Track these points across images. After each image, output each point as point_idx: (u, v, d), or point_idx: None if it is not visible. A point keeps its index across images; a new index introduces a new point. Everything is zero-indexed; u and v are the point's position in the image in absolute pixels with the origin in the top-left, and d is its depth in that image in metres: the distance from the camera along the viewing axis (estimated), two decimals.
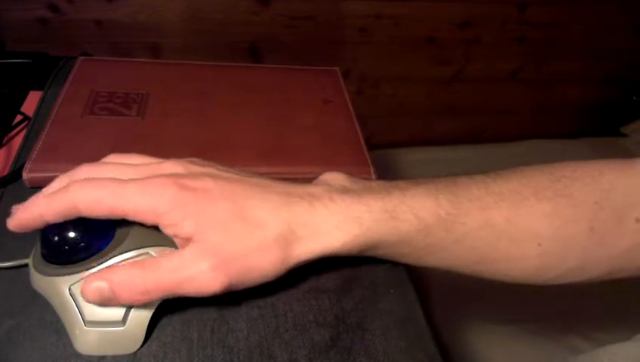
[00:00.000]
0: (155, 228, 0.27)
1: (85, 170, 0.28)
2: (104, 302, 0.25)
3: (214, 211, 0.26)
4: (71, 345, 0.27)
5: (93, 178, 0.26)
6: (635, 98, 1.43)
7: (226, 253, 0.26)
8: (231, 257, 0.26)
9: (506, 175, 0.32)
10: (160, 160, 0.29)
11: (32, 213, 0.25)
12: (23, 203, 0.26)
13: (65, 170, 0.29)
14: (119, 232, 0.27)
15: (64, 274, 0.26)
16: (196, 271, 0.25)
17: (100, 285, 0.25)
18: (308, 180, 0.38)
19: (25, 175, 0.35)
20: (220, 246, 0.26)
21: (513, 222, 0.30)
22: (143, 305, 0.27)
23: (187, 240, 0.26)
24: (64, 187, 0.25)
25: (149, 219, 0.26)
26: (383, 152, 1.24)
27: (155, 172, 0.28)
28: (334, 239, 0.28)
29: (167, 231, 0.26)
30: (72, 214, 0.25)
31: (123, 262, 0.26)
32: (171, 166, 0.28)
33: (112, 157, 0.30)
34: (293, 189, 0.29)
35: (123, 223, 0.28)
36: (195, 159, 0.30)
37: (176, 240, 0.27)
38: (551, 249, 0.30)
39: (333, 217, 0.28)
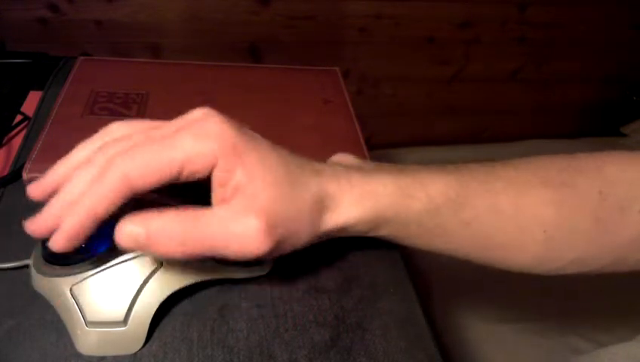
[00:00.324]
0: None
1: (116, 124, 0.25)
2: (138, 249, 0.23)
3: (266, 165, 0.24)
4: (71, 345, 0.27)
5: (127, 144, 0.23)
6: (635, 98, 1.43)
7: (275, 213, 0.24)
8: (279, 218, 0.24)
9: (514, 163, 0.32)
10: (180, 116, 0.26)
11: (83, 215, 0.22)
12: (45, 210, 0.22)
13: None
14: None
15: (65, 275, 0.26)
16: (244, 227, 0.23)
17: (134, 230, 0.22)
18: None
19: (25, 175, 0.35)
20: (270, 204, 0.24)
21: (520, 208, 0.30)
22: (145, 305, 0.27)
23: (235, 190, 0.23)
24: (102, 168, 0.22)
25: (207, 166, 0.23)
26: (383, 152, 1.24)
27: (189, 117, 0.25)
28: (352, 213, 0.28)
29: (221, 176, 0.23)
30: (127, 194, 0.22)
31: (126, 263, 0.26)
32: (202, 110, 0.25)
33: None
34: (315, 163, 0.29)
35: None
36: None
37: (220, 190, 0.24)
38: (556, 237, 0.31)
39: (353, 190, 0.28)
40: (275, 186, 0.24)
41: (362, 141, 0.43)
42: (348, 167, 0.30)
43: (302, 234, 0.26)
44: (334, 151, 0.41)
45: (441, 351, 0.30)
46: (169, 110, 0.42)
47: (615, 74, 1.41)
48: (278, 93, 0.47)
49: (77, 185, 0.23)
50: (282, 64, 0.51)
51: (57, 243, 0.22)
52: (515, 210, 0.30)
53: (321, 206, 0.27)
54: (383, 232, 0.30)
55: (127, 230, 0.22)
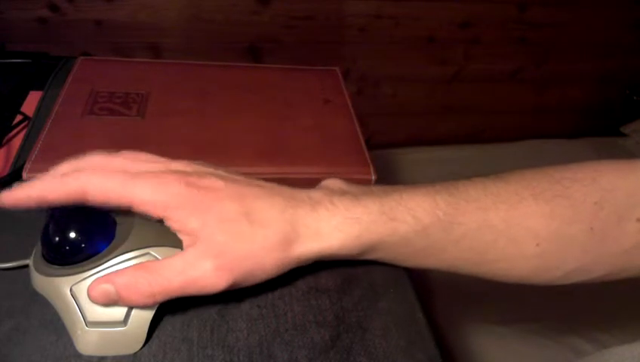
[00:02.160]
0: (156, 228, 0.27)
1: (96, 158, 0.28)
2: (111, 304, 0.26)
3: (221, 210, 0.26)
4: (71, 345, 0.27)
5: (104, 167, 0.26)
6: (635, 98, 1.43)
7: (230, 253, 0.26)
8: (235, 257, 0.26)
9: (504, 177, 0.32)
10: (169, 159, 0.30)
11: (34, 190, 0.25)
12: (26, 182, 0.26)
13: None
14: (120, 233, 0.27)
15: (65, 275, 0.26)
16: (200, 272, 0.25)
17: (105, 288, 0.25)
18: (308, 180, 0.38)
19: (25, 175, 0.35)
20: (224, 246, 0.26)
21: (511, 223, 0.30)
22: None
23: (192, 237, 0.26)
24: (74, 172, 0.26)
25: (156, 213, 0.26)
26: (383, 152, 1.24)
27: (165, 168, 0.28)
28: (334, 240, 0.28)
29: (173, 225, 0.26)
30: (78, 200, 0.25)
31: (125, 263, 0.26)
32: (181, 165, 0.29)
33: (123, 153, 0.30)
34: (297, 193, 0.30)
35: (123, 223, 0.28)
36: (201, 162, 0.30)
37: (181, 235, 0.27)
38: (550, 249, 0.30)
39: (333, 219, 0.29)
40: (229, 229, 0.26)
41: (362, 141, 0.43)
42: (332, 194, 0.30)
43: (267, 266, 0.27)
44: (334, 152, 0.41)
45: (441, 351, 0.30)
46: (169, 110, 0.43)
47: (615, 74, 1.41)
48: (278, 93, 0.47)
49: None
50: (282, 64, 0.51)
51: (3, 198, 0.25)
52: (506, 224, 0.30)
53: (291, 237, 0.28)
54: (375, 256, 0.31)
55: (100, 288, 0.25)
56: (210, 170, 0.29)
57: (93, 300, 0.25)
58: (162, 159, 0.30)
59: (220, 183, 0.27)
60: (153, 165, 0.28)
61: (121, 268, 0.26)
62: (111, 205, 0.26)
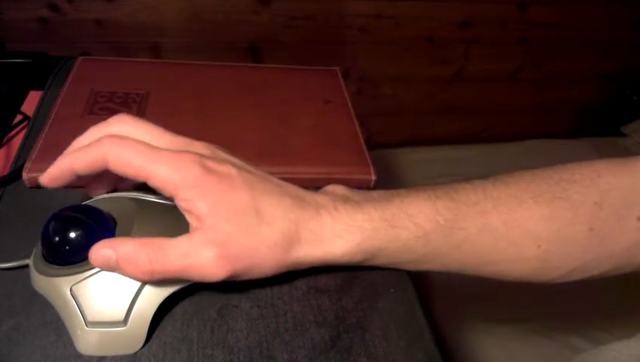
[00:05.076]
0: (156, 228, 0.27)
1: (123, 125, 0.28)
2: (109, 270, 0.26)
3: (231, 199, 0.26)
4: (71, 345, 0.27)
5: (128, 137, 0.26)
6: (635, 98, 1.43)
7: (234, 245, 0.26)
8: (238, 249, 0.26)
9: (504, 180, 0.32)
10: (191, 139, 0.30)
11: (63, 165, 0.26)
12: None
13: None
14: (120, 233, 0.27)
15: (65, 275, 0.26)
16: (203, 259, 0.25)
17: (107, 253, 0.25)
18: (308, 180, 0.38)
19: (25, 175, 0.35)
20: (229, 236, 0.26)
21: (512, 226, 0.30)
22: (145, 305, 0.27)
23: (199, 220, 0.26)
24: (97, 140, 0.26)
25: (168, 190, 0.26)
26: (383, 152, 1.24)
27: (187, 147, 0.28)
28: (335, 246, 0.29)
29: (182, 205, 0.26)
30: (101, 167, 0.26)
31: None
32: (201, 147, 0.29)
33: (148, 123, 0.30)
34: (304, 194, 0.30)
35: (123, 223, 0.28)
36: (220, 147, 0.30)
37: (188, 217, 0.27)
38: (550, 250, 0.31)
39: (336, 225, 0.29)
40: (237, 220, 0.26)
41: (362, 141, 0.43)
42: (336, 199, 0.30)
43: (266, 263, 0.27)
44: (334, 152, 0.41)
45: (441, 350, 0.30)
46: (169, 110, 0.43)
47: (615, 74, 1.41)
48: (278, 93, 0.47)
49: (76, 144, 0.28)
50: (282, 64, 0.51)
51: (42, 180, 0.27)
52: (507, 227, 0.30)
53: (293, 238, 0.28)
54: (376, 262, 0.31)
55: (102, 252, 0.25)
56: (229, 156, 0.29)
57: (93, 262, 0.25)
58: (185, 138, 0.30)
59: (234, 172, 0.27)
60: (176, 141, 0.28)
61: None
62: (128, 176, 0.26)
